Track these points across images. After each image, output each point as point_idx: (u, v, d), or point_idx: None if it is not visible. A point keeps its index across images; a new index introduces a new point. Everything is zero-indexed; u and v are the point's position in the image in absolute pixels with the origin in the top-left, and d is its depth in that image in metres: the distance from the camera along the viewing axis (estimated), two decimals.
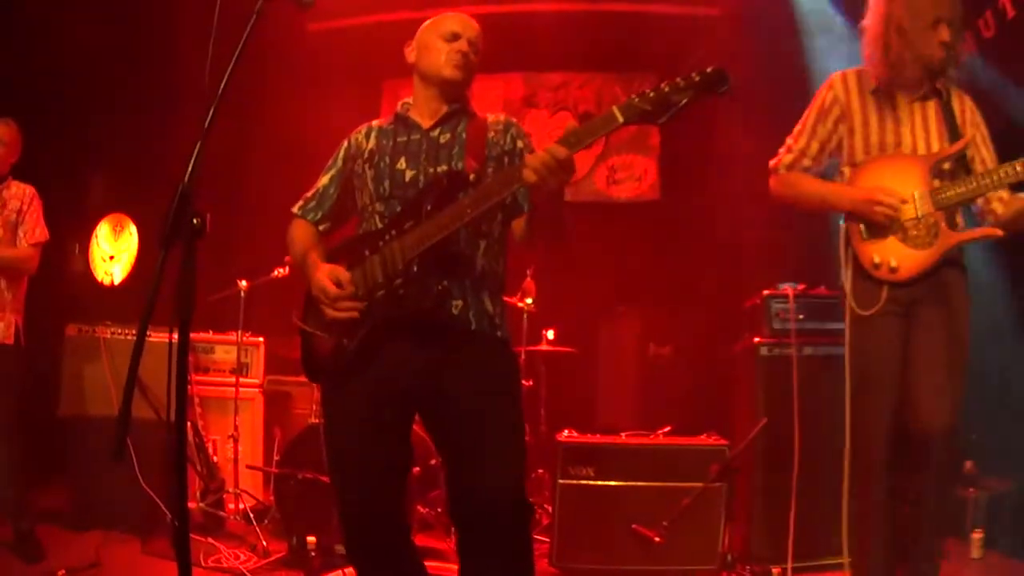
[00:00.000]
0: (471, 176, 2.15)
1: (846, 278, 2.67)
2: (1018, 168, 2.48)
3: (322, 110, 5.17)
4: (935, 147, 2.65)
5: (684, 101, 1.83)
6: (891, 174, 2.64)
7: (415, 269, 2.10)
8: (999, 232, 2.57)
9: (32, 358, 3.83)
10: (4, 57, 4.60)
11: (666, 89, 1.83)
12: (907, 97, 2.69)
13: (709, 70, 1.82)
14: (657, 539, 3.43)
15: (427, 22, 2.33)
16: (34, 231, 3.77)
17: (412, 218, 2.12)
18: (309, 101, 5.41)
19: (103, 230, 4.59)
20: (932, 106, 2.68)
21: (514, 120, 2.35)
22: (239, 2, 1.89)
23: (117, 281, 4.52)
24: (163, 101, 5.10)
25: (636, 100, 1.85)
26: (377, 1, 5.41)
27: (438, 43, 2.26)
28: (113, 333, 4.20)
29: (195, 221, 1.70)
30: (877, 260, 2.61)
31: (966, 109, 2.71)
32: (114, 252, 4.54)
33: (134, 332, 1.70)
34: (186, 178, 1.72)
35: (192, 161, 1.72)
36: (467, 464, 2.13)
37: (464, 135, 2.25)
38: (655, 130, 5.75)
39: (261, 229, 4.56)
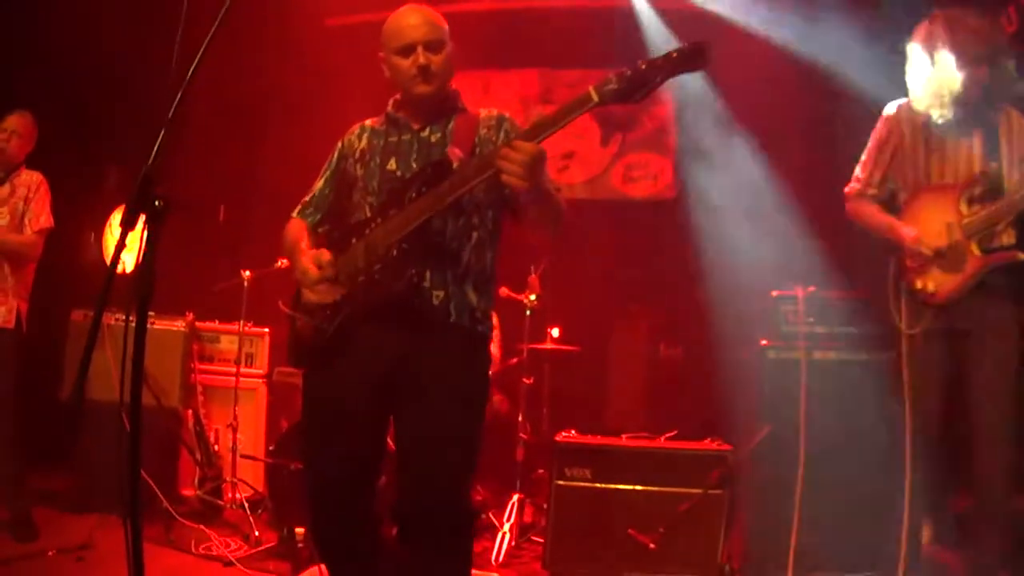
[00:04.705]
0: (454, 164, 2.13)
1: (897, 300, 2.96)
2: None
3: (338, 105, 5.14)
4: (974, 172, 2.83)
5: (661, 78, 1.80)
6: (930, 204, 2.90)
7: (394, 254, 2.09)
8: (1021, 256, 2.75)
9: (37, 343, 3.84)
10: (27, 54, 4.70)
11: (643, 68, 1.81)
12: (953, 125, 2.86)
13: (687, 46, 1.79)
14: (652, 545, 3.35)
15: (383, 30, 2.25)
16: (39, 218, 3.77)
17: (396, 206, 2.13)
18: (325, 95, 5.40)
19: (117, 219, 4.62)
20: (977, 133, 2.84)
21: (507, 115, 2.32)
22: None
23: (129, 269, 4.54)
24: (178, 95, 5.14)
25: (613, 80, 1.82)
26: None
27: (396, 61, 2.21)
28: (117, 319, 4.20)
29: (157, 203, 1.71)
30: (919, 285, 2.89)
31: (1013, 128, 2.82)
32: (127, 241, 4.57)
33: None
34: (150, 161, 1.74)
35: (156, 145, 1.73)
36: (412, 462, 2.12)
37: (452, 131, 2.24)
38: (672, 129, 5.66)
39: (274, 222, 4.55)
